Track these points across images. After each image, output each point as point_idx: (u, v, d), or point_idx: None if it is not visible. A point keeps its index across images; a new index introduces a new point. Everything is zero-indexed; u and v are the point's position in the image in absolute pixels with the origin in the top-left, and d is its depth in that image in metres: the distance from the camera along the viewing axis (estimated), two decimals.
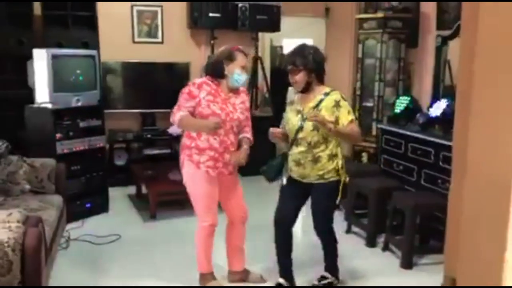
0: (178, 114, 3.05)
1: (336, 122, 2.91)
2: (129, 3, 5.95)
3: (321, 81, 3.04)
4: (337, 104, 2.93)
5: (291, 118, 3.06)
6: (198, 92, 3.04)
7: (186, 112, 3.04)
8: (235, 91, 3.18)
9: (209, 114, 3.03)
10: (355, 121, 3.02)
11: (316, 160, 2.97)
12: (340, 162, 3.03)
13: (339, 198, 3.04)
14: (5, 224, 2.45)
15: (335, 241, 3.24)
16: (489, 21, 0.75)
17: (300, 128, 2.98)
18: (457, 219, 0.89)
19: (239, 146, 3.18)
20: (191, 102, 3.04)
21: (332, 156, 3.00)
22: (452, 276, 0.87)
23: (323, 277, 3.29)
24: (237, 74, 3.08)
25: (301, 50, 2.97)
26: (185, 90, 3.08)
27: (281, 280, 3.21)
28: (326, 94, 2.98)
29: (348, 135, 3.00)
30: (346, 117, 2.94)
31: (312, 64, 2.92)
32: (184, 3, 6.08)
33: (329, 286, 3.26)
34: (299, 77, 2.95)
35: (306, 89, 2.99)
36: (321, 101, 2.95)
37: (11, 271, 2.32)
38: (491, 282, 0.76)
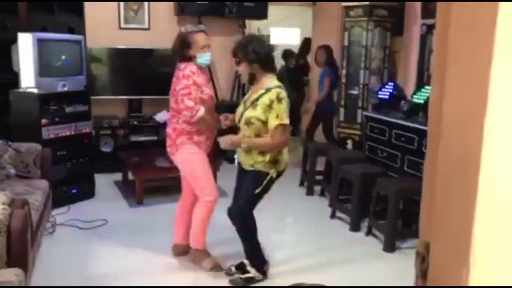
0: (201, 110, 3.10)
1: (266, 122, 2.91)
2: None
3: (269, 71, 2.98)
4: (270, 104, 2.87)
5: (238, 108, 3.14)
6: (200, 79, 3.14)
7: (203, 108, 3.12)
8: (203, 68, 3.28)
9: (207, 99, 3.20)
10: (282, 127, 2.88)
11: (248, 151, 3.01)
12: (269, 157, 2.97)
13: (259, 189, 2.99)
14: None
15: (250, 231, 3.14)
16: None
17: (239, 119, 3.06)
18: (431, 187, 0.93)
19: None
20: (198, 91, 3.13)
21: (263, 151, 2.99)
22: (426, 241, 0.92)
23: (241, 265, 3.23)
24: (200, 57, 3.17)
25: (243, 42, 3.01)
26: (189, 82, 3.10)
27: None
28: (268, 89, 2.92)
29: (262, 146, 2.96)
30: (273, 121, 2.87)
31: (253, 55, 2.88)
32: None
33: (249, 280, 3.18)
34: (241, 69, 2.99)
35: (251, 81, 3.00)
36: (261, 95, 2.93)
37: None
38: (460, 249, 0.81)
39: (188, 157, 3.24)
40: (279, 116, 2.86)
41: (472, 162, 0.79)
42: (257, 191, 3.00)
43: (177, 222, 3.54)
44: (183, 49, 3.14)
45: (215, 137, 3.30)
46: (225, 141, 3.01)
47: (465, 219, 0.80)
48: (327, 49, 5.73)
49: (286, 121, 2.89)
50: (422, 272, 0.92)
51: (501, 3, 0.72)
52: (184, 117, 3.14)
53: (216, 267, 3.33)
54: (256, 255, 3.22)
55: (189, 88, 3.09)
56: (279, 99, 2.86)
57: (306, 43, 7.98)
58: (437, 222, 0.88)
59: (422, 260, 0.92)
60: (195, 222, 3.34)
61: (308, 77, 7.68)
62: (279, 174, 3.07)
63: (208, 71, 3.44)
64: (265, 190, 3.04)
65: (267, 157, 2.97)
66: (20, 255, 2.45)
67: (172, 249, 3.57)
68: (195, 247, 3.39)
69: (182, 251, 3.52)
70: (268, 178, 3.00)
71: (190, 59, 3.17)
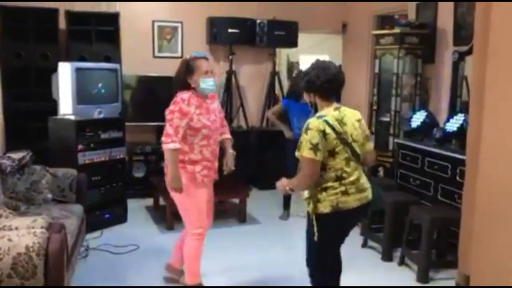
0: (173, 144, 3.00)
1: None
2: (150, 19, 6.10)
3: (327, 100, 2.73)
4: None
5: None
6: (188, 108, 3.05)
7: (179, 146, 3.03)
8: (209, 96, 3.24)
9: (201, 127, 3.10)
10: (303, 159, 2.61)
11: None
12: (307, 195, 2.74)
13: (316, 236, 2.71)
14: (30, 229, 2.53)
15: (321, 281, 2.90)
16: (499, 31, 0.80)
17: None
18: (471, 219, 0.93)
19: (220, 148, 3.32)
20: (184, 120, 3.03)
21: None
22: (465, 273, 0.90)
23: None
24: (203, 82, 3.11)
25: (306, 70, 2.82)
26: (175, 108, 3.03)
27: None
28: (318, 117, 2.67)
29: (295, 185, 2.71)
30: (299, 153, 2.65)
31: (309, 84, 2.74)
32: (204, 19, 6.21)
33: None
34: (305, 97, 2.84)
35: (316, 110, 2.77)
36: None
37: (35, 275, 2.39)
38: (503, 280, 0.80)
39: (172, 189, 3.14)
40: (299, 147, 2.62)
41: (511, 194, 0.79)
42: (315, 238, 2.70)
43: (177, 247, 3.52)
44: (186, 75, 3.12)
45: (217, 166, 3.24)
46: (279, 187, 2.82)
47: (507, 253, 0.79)
48: None
49: (304, 153, 2.58)
50: None
51: None
52: (162, 141, 3.07)
53: None
54: None
55: (173, 114, 3.02)
56: (305, 129, 2.61)
57: None
58: (478, 254, 0.87)
59: None
60: (188, 256, 3.27)
61: None
62: (340, 215, 2.66)
63: (215, 97, 3.34)
64: (326, 234, 2.71)
65: (308, 197, 2.73)
66: (56, 278, 2.50)
67: (166, 268, 3.61)
68: (192, 283, 3.30)
69: (175, 274, 3.56)
70: (316, 221, 2.68)
71: (190, 87, 3.13)
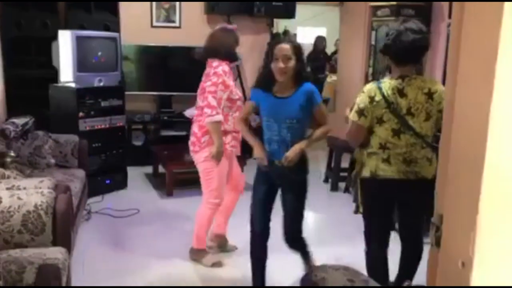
0: (218, 116, 3.08)
1: None
2: None
3: (398, 66, 2.58)
4: None
5: None
6: (229, 81, 3.17)
7: (221, 117, 3.12)
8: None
9: (237, 99, 3.24)
10: (350, 121, 2.61)
11: None
12: None
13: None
14: (37, 189, 2.66)
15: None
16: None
17: None
18: (445, 166, 1.05)
19: None
20: (226, 92, 3.13)
21: None
22: (440, 213, 1.03)
23: None
24: (239, 55, 3.23)
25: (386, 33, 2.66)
26: (219, 80, 3.09)
27: None
28: None
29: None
30: None
31: (384, 47, 2.61)
32: None
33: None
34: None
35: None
36: None
37: (44, 232, 2.53)
38: (468, 216, 0.93)
39: (208, 156, 3.22)
40: (352, 107, 2.62)
41: (479, 142, 0.91)
42: (359, 206, 2.83)
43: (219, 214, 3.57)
44: (234, 45, 3.20)
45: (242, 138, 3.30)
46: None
47: (472, 192, 0.92)
48: None
49: (351, 114, 2.59)
50: (436, 240, 1.03)
51: (506, 3, 0.83)
52: (205, 113, 3.11)
53: (217, 264, 3.42)
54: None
55: (216, 87, 3.08)
56: (361, 91, 2.60)
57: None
58: (450, 196, 1.00)
59: (436, 229, 1.04)
60: (200, 223, 3.39)
61: (323, 74, 7.88)
62: (379, 183, 2.60)
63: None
64: (367, 201, 2.74)
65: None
66: (63, 235, 2.64)
67: (211, 239, 3.65)
68: (199, 247, 3.44)
69: (220, 240, 3.64)
70: (360, 186, 2.72)
71: (230, 58, 3.21)
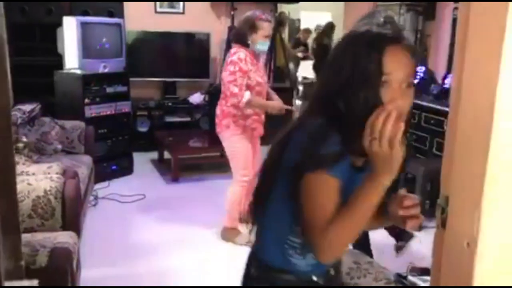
0: (246, 95, 3.21)
1: None
2: None
3: None
4: None
5: None
6: (247, 67, 3.23)
7: (249, 92, 3.23)
8: (261, 55, 3.43)
9: (255, 85, 3.29)
10: None
11: None
12: None
13: None
14: (46, 175, 2.70)
15: None
16: None
17: None
18: (451, 148, 1.07)
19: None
20: (245, 78, 3.23)
21: None
22: (445, 194, 1.06)
23: None
24: (260, 44, 3.28)
25: None
26: (235, 68, 3.20)
27: None
28: None
29: None
30: None
31: None
32: None
33: None
34: None
35: None
36: None
37: (53, 216, 2.57)
38: (473, 197, 0.95)
39: (231, 138, 3.37)
40: None
41: (485, 124, 0.93)
42: None
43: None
44: (247, 32, 3.25)
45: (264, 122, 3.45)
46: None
47: (478, 174, 0.94)
48: None
49: None
50: (442, 221, 1.06)
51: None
52: (231, 101, 3.27)
53: (250, 242, 3.46)
54: None
55: (234, 75, 3.19)
56: None
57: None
58: (455, 177, 1.02)
59: (442, 211, 1.06)
60: (232, 201, 3.45)
61: None
62: None
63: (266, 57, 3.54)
64: None
65: None
66: (73, 220, 2.68)
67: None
68: (231, 225, 3.52)
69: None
70: None
71: (244, 44, 3.27)
